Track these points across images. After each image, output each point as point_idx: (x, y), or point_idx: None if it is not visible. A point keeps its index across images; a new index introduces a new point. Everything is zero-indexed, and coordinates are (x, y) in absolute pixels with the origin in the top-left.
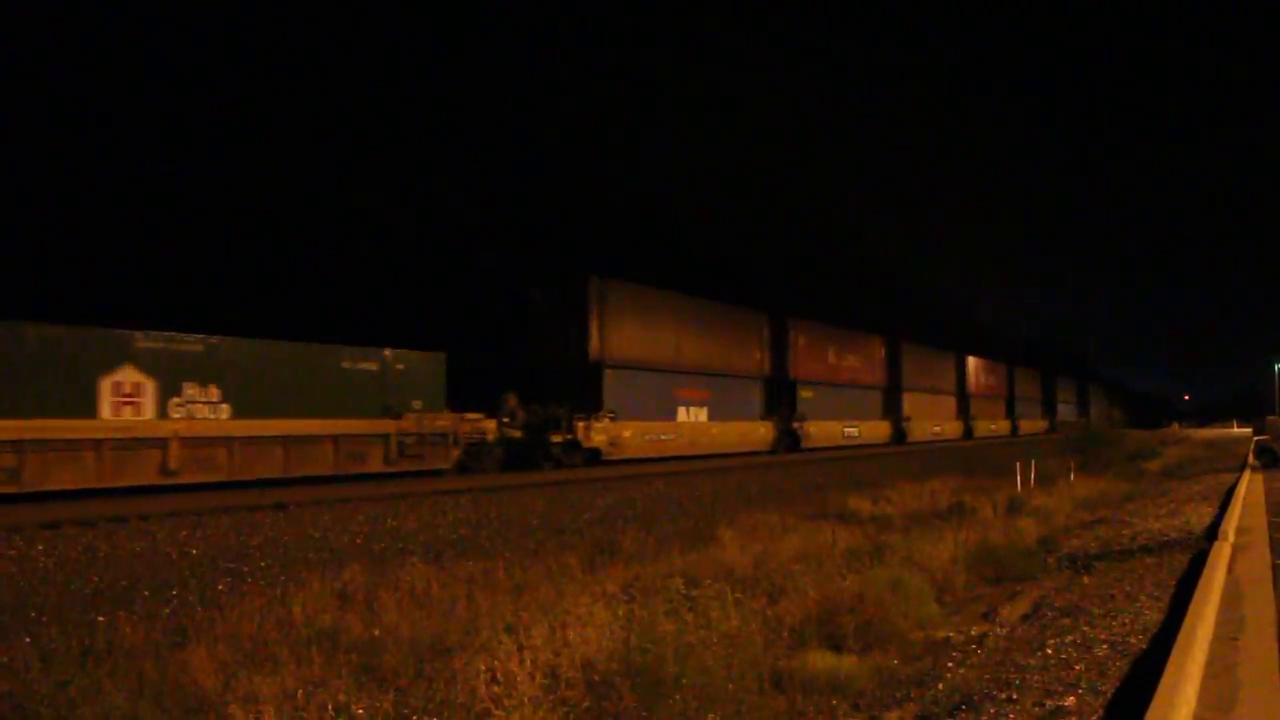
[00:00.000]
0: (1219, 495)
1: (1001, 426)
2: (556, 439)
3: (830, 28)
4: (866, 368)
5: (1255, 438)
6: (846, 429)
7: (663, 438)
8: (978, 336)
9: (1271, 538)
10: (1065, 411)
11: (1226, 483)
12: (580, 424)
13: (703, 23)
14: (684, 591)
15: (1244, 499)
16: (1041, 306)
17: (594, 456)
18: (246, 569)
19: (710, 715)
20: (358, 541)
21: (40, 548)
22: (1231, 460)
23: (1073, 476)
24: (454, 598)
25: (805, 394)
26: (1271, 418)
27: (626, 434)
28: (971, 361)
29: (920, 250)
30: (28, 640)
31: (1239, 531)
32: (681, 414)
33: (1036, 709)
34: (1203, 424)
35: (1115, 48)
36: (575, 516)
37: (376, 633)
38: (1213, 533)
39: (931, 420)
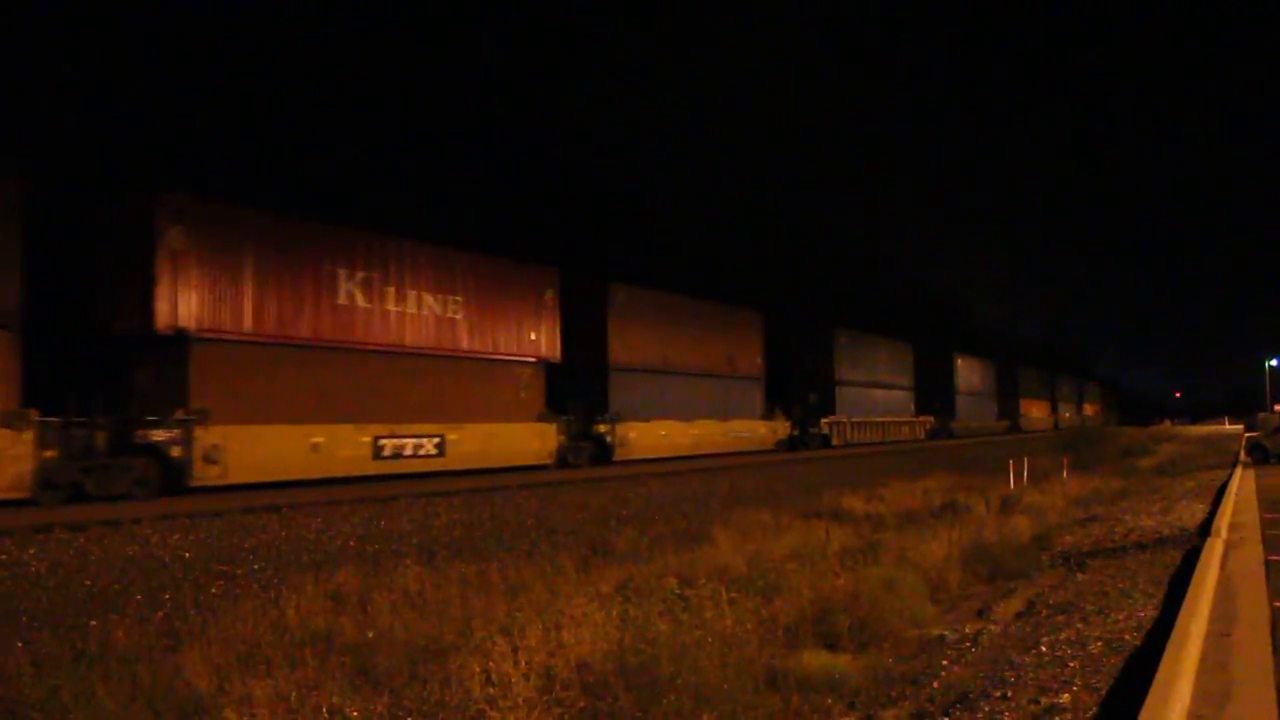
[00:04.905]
0: (1212, 492)
1: (997, 424)
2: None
3: (829, 22)
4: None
5: (1246, 434)
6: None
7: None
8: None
9: (1264, 534)
10: (1064, 409)
11: (1219, 479)
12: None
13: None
14: (678, 591)
15: (1236, 495)
16: (1035, 305)
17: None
18: (240, 572)
19: (705, 715)
20: (351, 544)
21: (32, 551)
22: (1224, 457)
23: (1066, 474)
24: (448, 599)
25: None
26: (1263, 414)
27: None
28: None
29: (909, 238)
30: (20, 645)
31: (1231, 528)
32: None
33: (1032, 706)
34: (1195, 421)
35: (1115, 48)
36: (569, 516)
37: (370, 634)
38: (1206, 529)
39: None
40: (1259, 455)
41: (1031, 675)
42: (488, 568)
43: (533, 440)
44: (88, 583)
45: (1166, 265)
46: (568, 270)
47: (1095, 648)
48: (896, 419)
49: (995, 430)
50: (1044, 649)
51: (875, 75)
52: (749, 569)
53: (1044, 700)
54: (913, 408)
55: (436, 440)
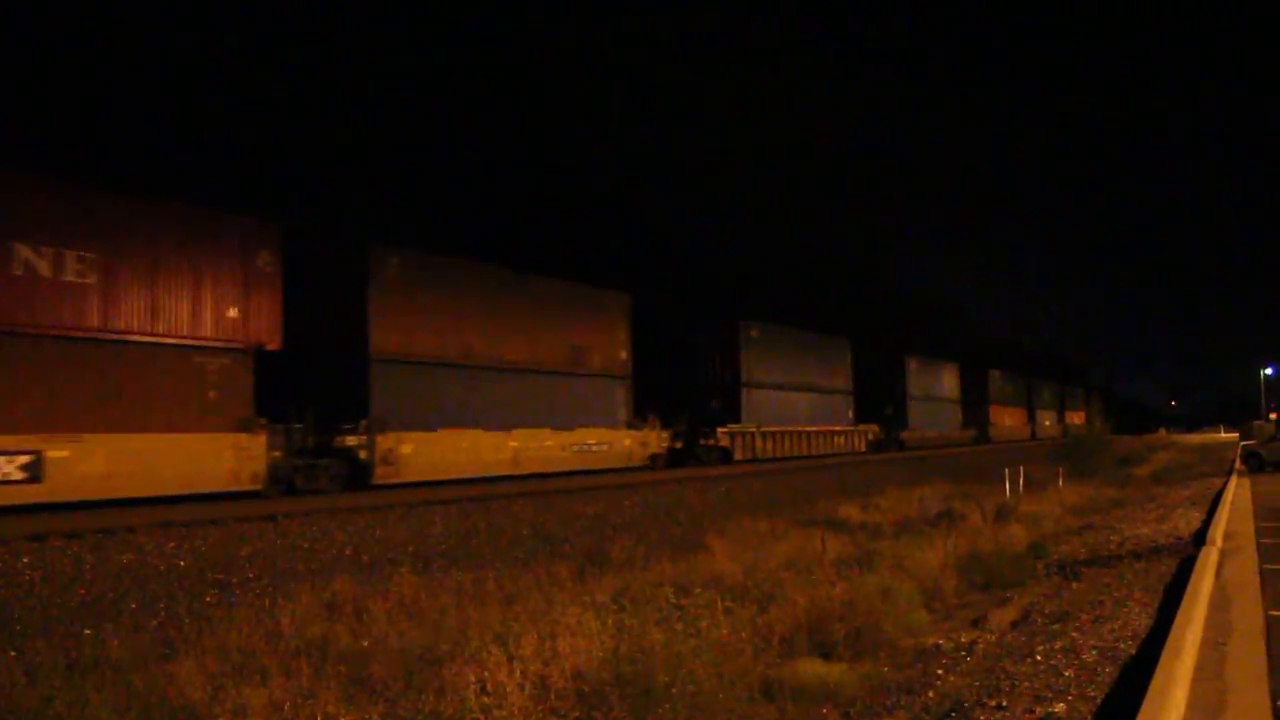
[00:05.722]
0: (1207, 500)
1: (961, 434)
2: None
3: (821, 24)
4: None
5: (1242, 442)
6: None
7: None
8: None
9: (1259, 543)
10: (1045, 417)
11: (1214, 487)
12: None
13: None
14: (674, 600)
15: (1231, 504)
16: (1034, 315)
17: None
18: (235, 580)
19: None
20: (346, 552)
21: (26, 560)
22: (1219, 465)
23: (1062, 483)
24: (443, 608)
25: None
26: (1258, 423)
27: None
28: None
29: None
30: (13, 654)
31: (1226, 536)
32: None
33: (1027, 715)
34: (1190, 429)
35: (1109, 56)
36: (566, 525)
37: (365, 644)
38: (1201, 538)
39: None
40: (1254, 464)
41: (1027, 684)
42: (483, 576)
43: (223, 457)
44: (82, 591)
45: (1163, 275)
46: (302, 227)
47: (1090, 657)
48: (828, 428)
49: (958, 441)
50: (1039, 658)
51: (868, 72)
52: (745, 578)
53: (1039, 710)
54: (851, 415)
55: (27, 459)
